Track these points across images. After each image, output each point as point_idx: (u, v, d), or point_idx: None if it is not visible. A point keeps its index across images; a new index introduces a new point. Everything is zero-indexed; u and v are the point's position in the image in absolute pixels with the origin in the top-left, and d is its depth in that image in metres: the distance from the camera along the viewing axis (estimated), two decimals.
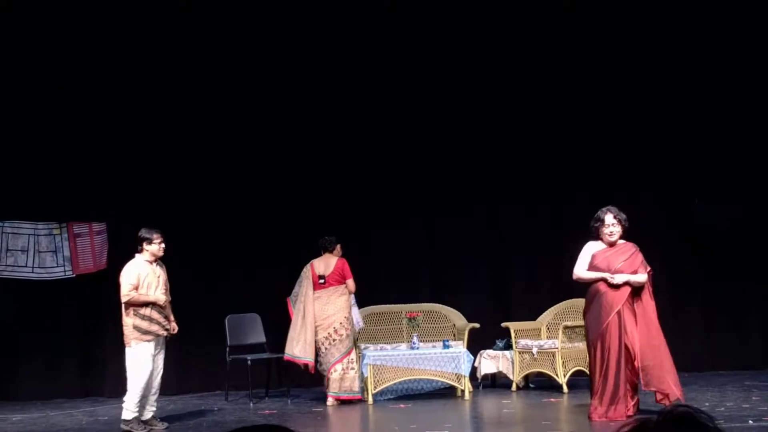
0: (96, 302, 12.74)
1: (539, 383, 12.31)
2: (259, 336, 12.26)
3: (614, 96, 13.50)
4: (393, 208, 13.34)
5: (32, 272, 12.67)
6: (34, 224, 12.71)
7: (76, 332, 12.88)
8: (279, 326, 12.71)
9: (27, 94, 12.87)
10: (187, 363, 12.76)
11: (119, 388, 12.49)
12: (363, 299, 12.47)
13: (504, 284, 13.59)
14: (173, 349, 12.68)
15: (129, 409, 9.70)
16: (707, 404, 9.92)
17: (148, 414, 9.84)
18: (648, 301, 9.21)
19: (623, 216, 9.41)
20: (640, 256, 9.28)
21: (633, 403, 9.06)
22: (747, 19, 13.26)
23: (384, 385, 11.26)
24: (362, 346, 11.85)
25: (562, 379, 11.55)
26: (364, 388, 11.33)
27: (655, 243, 13.43)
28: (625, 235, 9.43)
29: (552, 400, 11.05)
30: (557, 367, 11.59)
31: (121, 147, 12.98)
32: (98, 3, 12.85)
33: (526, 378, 12.25)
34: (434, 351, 11.39)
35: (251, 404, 11.51)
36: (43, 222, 12.74)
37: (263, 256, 12.98)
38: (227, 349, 11.90)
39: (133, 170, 12.97)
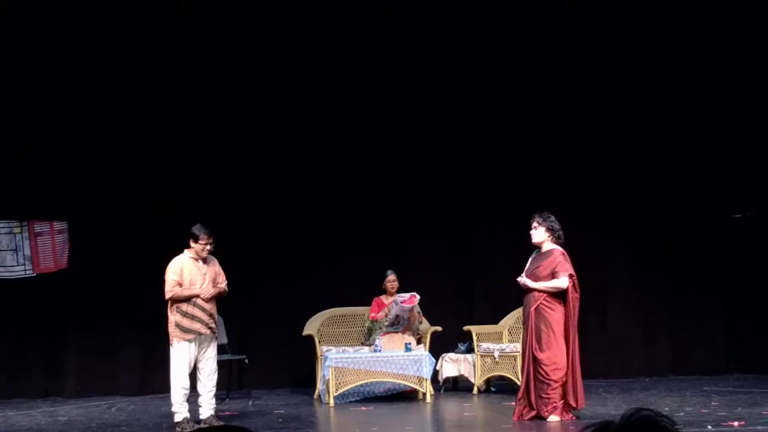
0: (57, 301, 12.76)
1: (500, 387, 12.44)
2: (221, 337, 12.15)
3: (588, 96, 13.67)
4: (355, 212, 13.43)
5: None
6: None
7: (37, 332, 12.82)
8: (241, 328, 12.87)
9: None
10: (148, 364, 12.73)
11: (80, 387, 12.63)
12: (326, 302, 12.70)
13: (467, 287, 13.69)
14: (133, 349, 12.81)
15: (175, 411, 9.77)
16: (667, 409, 10.05)
17: (207, 413, 9.88)
18: (569, 308, 9.25)
19: (544, 218, 9.47)
20: (556, 261, 9.30)
21: (533, 412, 9.26)
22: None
23: (346, 388, 11.30)
24: (324, 348, 11.92)
25: None
26: (325, 391, 11.39)
27: (621, 249, 13.71)
28: (556, 241, 9.47)
29: (513, 403, 10.94)
30: (518, 371, 11.52)
31: (82, 146, 12.98)
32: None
33: (488, 381, 12.36)
34: (396, 354, 11.45)
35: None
36: (4, 220, 12.66)
37: (228, 259, 12.89)
38: None
39: (92, 168, 12.99)
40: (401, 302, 11.83)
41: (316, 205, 13.40)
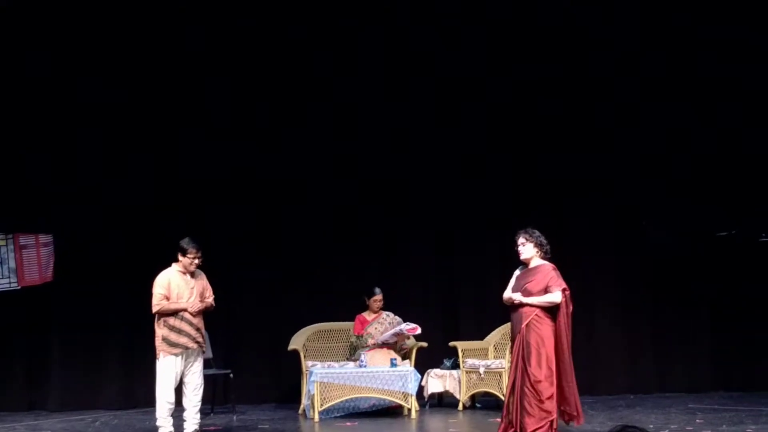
0: (41, 314, 12.78)
1: (486, 403, 12.43)
2: (206, 352, 12.20)
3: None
4: (355, 212, 13.47)
5: None
6: None
7: (21, 344, 12.86)
8: (226, 342, 12.84)
9: None
10: (133, 377, 12.74)
11: (64, 401, 12.61)
12: (312, 317, 12.66)
13: (452, 303, 13.65)
14: (118, 363, 12.81)
15: (160, 425, 9.77)
16: (651, 426, 10.05)
17: (191, 427, 9.88)
18: (561, 323, 9.13)
19: (530, 234, 9.31)
20: (548, 276, 9.16)
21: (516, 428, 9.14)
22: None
23: (331, 403, 11.28)
24: (309, 363, 11.87)
25: None
26: (310, 406, 11.39)
27: (606, 266, 13.67)
28: (545, 256, 9.34)
29: (498, 420, 10.97)
30: (504, 387, 11.48)
31: (82, 146, 13.06)
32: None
33: (473, 397, 12.34)
34: (382, 369, 11.42)
35: None
36: None
37: (213, 274, 12.93)
38: None
39: (92, 168, 13.06)
40: (407, 330, 11.84)
41: (316, 205, 13.43)
